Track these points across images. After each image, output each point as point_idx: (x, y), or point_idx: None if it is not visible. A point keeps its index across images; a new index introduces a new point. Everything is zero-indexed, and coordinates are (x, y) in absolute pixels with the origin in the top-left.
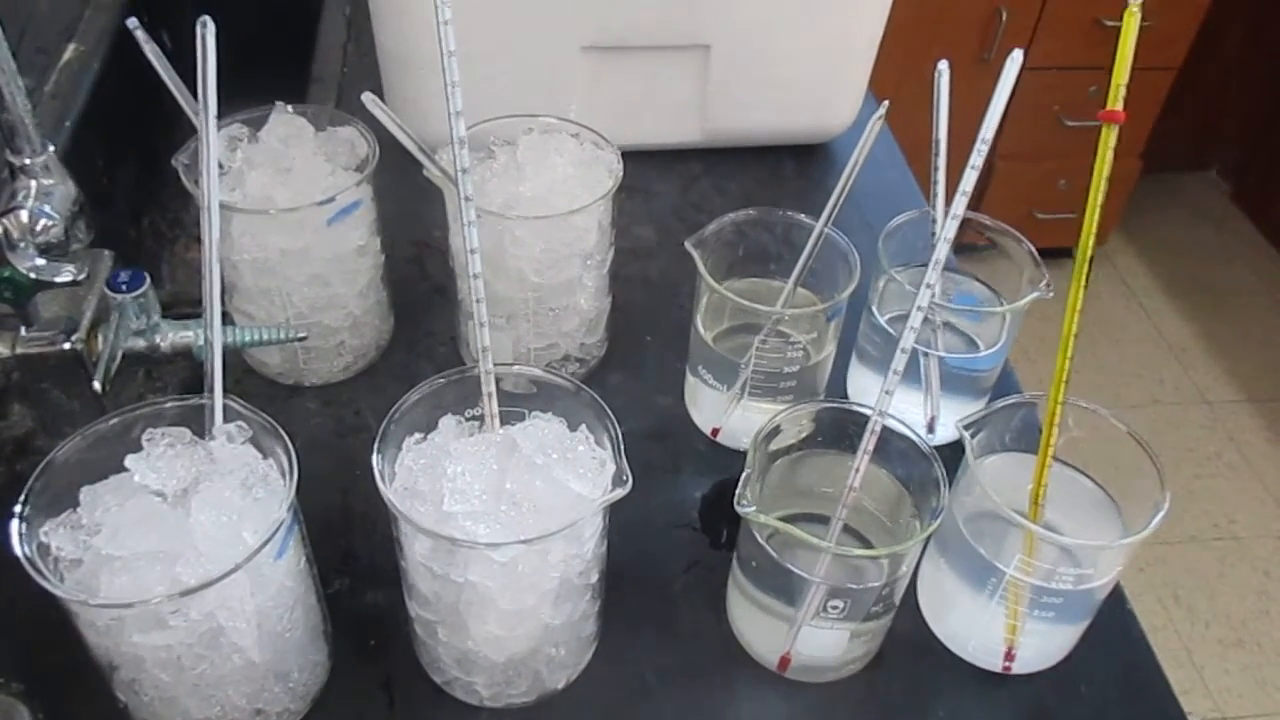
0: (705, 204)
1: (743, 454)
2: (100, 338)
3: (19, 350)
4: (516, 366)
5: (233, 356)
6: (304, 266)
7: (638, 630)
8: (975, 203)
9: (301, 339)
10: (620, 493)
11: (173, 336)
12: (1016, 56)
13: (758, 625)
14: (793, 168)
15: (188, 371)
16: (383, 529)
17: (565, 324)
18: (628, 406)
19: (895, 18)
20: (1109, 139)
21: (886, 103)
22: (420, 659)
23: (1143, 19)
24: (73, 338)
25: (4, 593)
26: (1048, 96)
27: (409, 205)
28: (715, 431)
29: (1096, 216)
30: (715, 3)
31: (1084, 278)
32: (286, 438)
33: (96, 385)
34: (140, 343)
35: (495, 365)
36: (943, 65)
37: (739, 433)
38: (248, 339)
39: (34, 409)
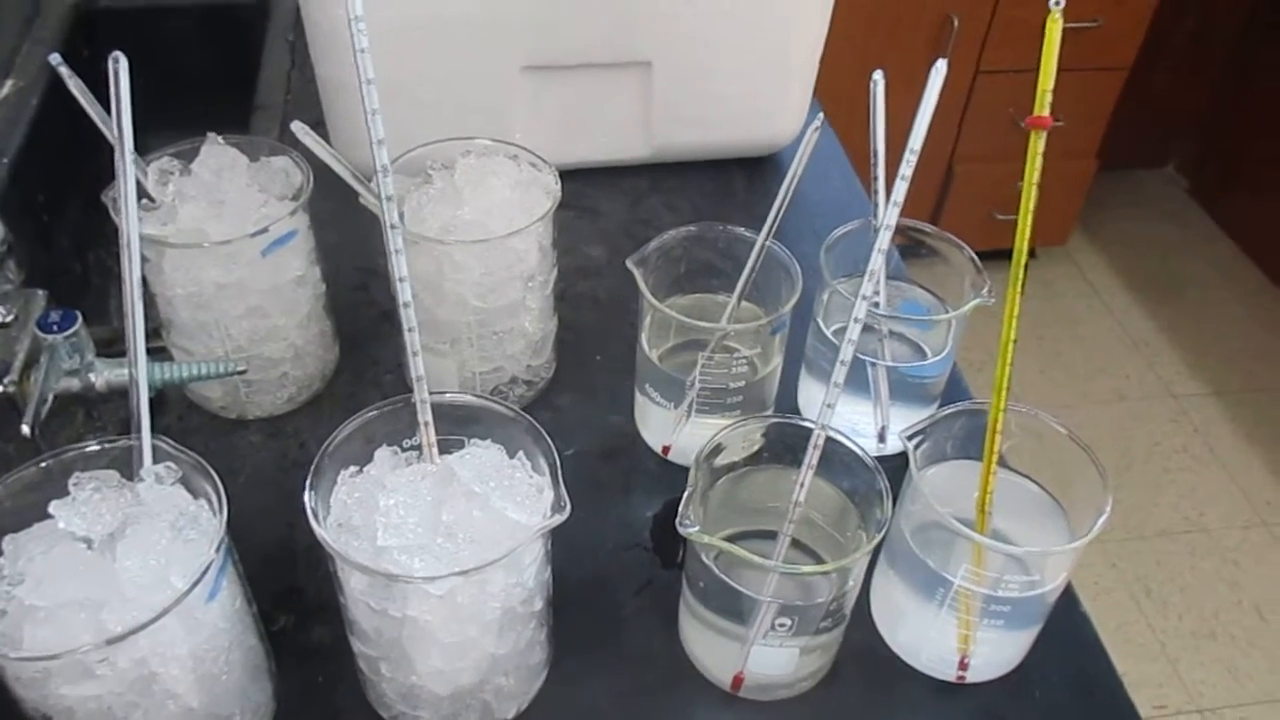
0: (654, 220)
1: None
2: (31, 379)
3: None
4: (449, 395)
5: (174, 392)
6: (241, 299)
7: (589, 654)
8: (934, 207)
9: (241, 372)
10: (558, 519)
11: (108, 375)
12: (940, 67)
13: (709, 645)
14: (741, 180)
15: (128, 410)
16: (328, 564)
17: (510, 347)
18: (578, 427)
19: (848, 26)
20: (1037, 145)
21: (821, 115)
22: (367, 695)
23: (1092, 19)
24: (4, 380)
25: None
26: (1002, 99)
27: (353, 232)
28: (666, 449)
29: (1030, 222)
30: (655, 19)
31: (1020, 284)
32: (216, 476)
33: (25, 428)
34: (75, 383)
35: (431, 393)
36: (877, 75)
37: (689, 450)
38: (185, 375)
39: None
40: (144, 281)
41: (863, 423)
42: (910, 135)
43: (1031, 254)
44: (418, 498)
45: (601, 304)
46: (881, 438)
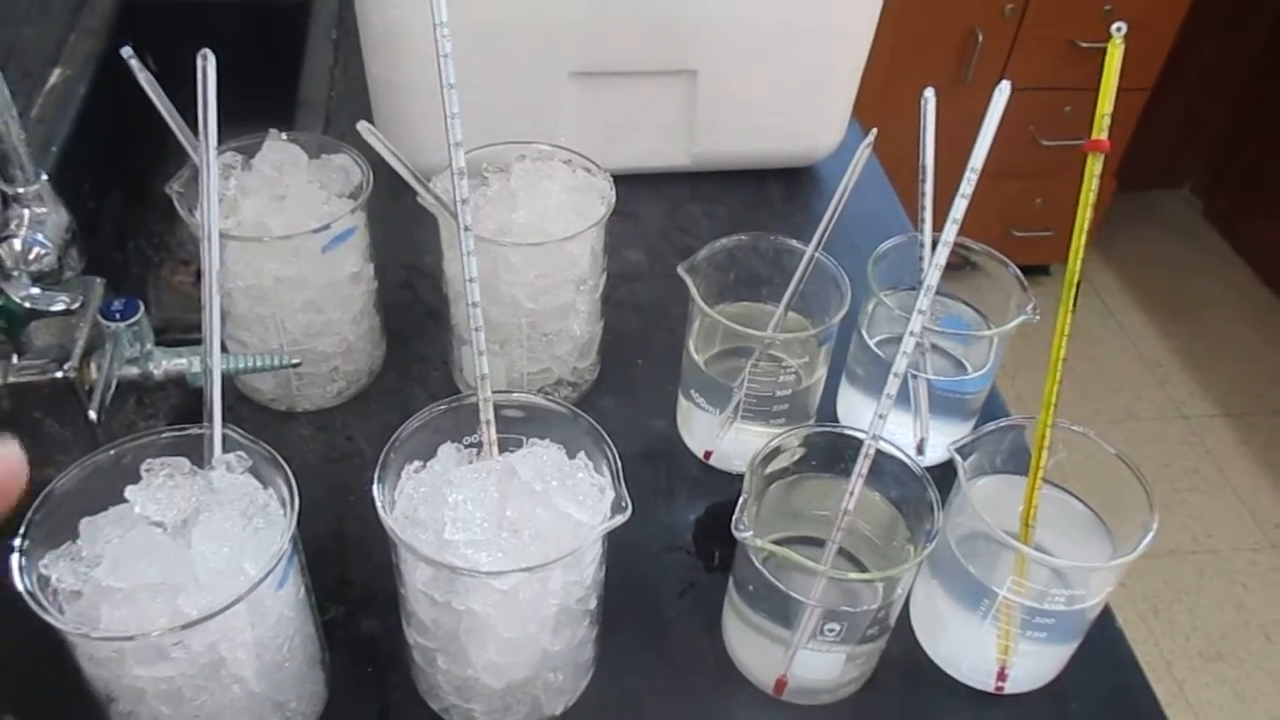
0: (693, 227)
1: (735, 476)
2: (94, 366)
3: (11, 379)
4: (516, 394)
5: (225, 382)
6: (299, 293)
7: (634, 654)
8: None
9: (295, 365)
10: (620, 519)
11: (166, 364)
12: (1004, 88)
13: (754, 648)
14: (779, 191)
15: (179, 398)
16: (377, 555)
17: (558, 349)
18: (620, 430)
19: (873, 40)
20: (1094, 168)
21: (875, 130)
22: (418, 686)
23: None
24: (65, 366)
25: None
26: (1024, 116)
27: (399, 230)
28: (708, 454)
29: (1083, 242)
30: (702, 29)
31: (1071, 303)
32: (287, 467)
33: (92, 414)
34: (133, 370)
35: (493, 393)
36: (929, 93)
37: (731, 455)
38: (242, 366)
39: (26, 438)
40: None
41: (901, 434)
42: (972, 153)
43: (1046, 270)
44: (484, 493)
45: (643, 308)
46: (920, 450)
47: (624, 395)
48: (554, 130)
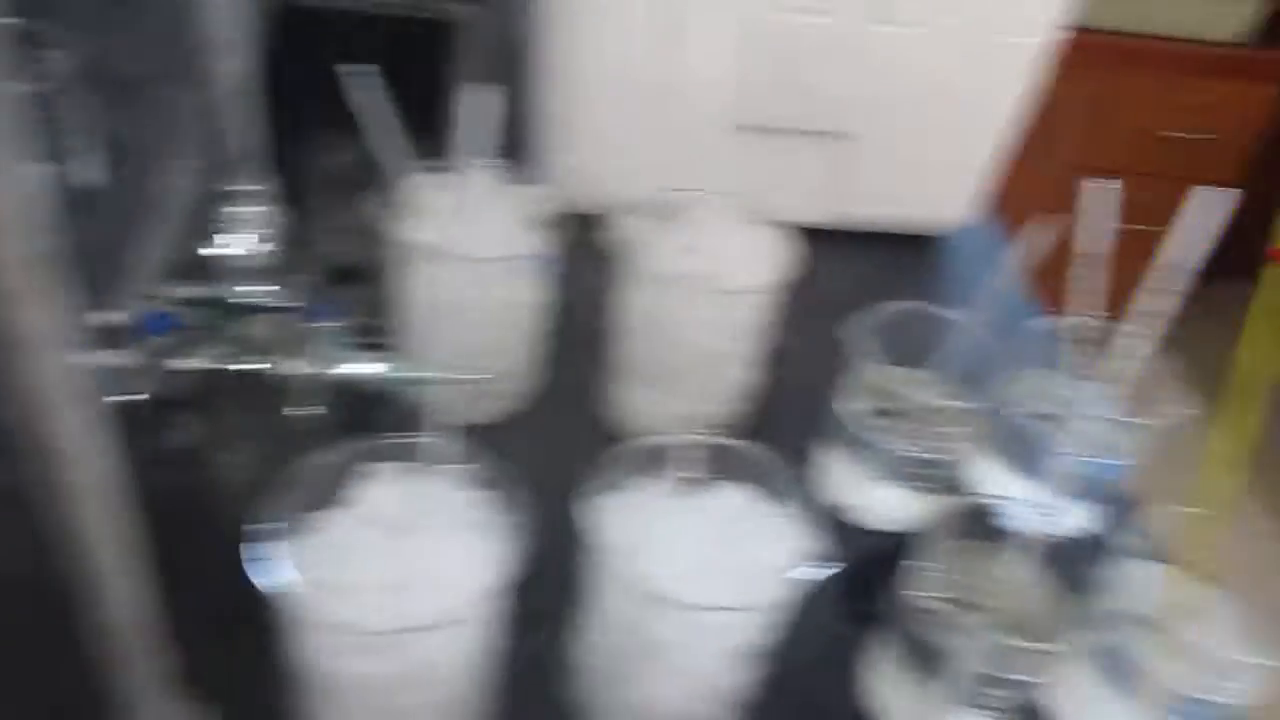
0: (824, 283)
1: (877, 533)
2: (294, 363)
3: (214, 366)
4: (720, 439)
5: (405, 394)
6: (481, 313)
7: (779, 700)
8: None
9: (484, 380)
10: (822, 571)
11: (362, 370)
12: (1224, 197)
13: (899, 705)
14: (908, 256)
15: (364, 404)
16: (539, 572)
17: (716, 391)
18: None
19: None
20: (1275, 278)
21: (1043, 219)
22: (578, 706)
23: (1203, 133)
24: (269, 361)
25: (188, 603)
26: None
27: (563, 260)
28: (849, 509)
29: (1263, 351)
30: (868, 96)
31: (1252, 409)
32: (517, 482)
33: (297, 411)
34: (329, 372)
35: (694, 433)
36: (1108, 187)
37: (873, 512)
38: (434, 377)
39: (215, 426)
40: (389, 285)
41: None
42: (1184, 254)
43: None
44: (685, 528)
45: (785, 359)
46: (1050, 525)
47: (770, 444)
48: (714, 180)
